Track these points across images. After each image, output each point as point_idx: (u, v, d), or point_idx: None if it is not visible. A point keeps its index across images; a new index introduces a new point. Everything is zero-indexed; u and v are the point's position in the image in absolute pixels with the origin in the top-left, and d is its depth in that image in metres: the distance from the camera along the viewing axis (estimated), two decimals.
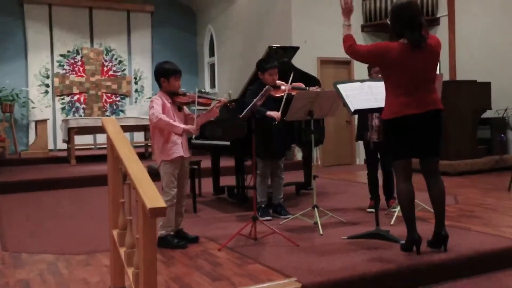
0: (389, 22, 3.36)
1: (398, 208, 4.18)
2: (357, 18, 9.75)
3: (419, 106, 3.26)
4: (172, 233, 3.85)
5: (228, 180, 6.33)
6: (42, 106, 11.73)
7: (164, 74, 3.89)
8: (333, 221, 4.41)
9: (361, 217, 4.62)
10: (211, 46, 12.83)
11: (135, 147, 10.33)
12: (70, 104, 12.09)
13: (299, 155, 8.78)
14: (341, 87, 3.75)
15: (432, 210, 3.54)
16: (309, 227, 4.23)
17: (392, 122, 3.32)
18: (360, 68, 8.12)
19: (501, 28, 8.65)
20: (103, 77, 12.43)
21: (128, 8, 12.60)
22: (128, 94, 12.67)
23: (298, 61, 5.99)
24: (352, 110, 3.67)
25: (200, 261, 3.39)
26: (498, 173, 7.64)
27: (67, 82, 12.02)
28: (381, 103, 3.50)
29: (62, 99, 12.01)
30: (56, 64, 11.94)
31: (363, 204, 5.13)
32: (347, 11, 3.49)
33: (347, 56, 3.50)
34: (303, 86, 4.93)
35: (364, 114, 4.64)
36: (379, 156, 4.92)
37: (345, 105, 3.69)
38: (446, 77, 7.71)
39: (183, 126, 3.80)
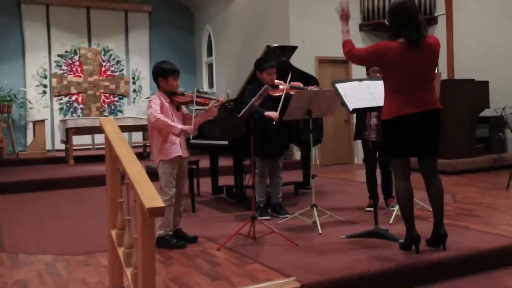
0: (387, 23, 3.37)
1: (397, 207, 4.18)
2: (355, 17, 9.75)
3: (418, 105, 3.26)
4: (171, 233, 3.84)
5: (226, 180, 6.33)
6: (40, 106, 11.72)
7: (162, 74, 3.88)
8: (332, 220, 4.41)
9: (360, 216, 4.62)
10: (209, 45, 12.82)
11: (134, 147, 10.26)
12: (68, 105, 12.07)
13: (297, 154, 8.77)
14: (339, 86, 3.75)
15: (430, 209, 3.54)
16: (308, 227, 4.23)
17: (391, 122, 3.32)
18: (358, 68, 8.12)
19: (499, 27, 8.66)
20: (101, 77, 12.41)
21: (126, 8, 12.58)
22: (126, 94, 12.66)
23: (296, 60, 5.99)
24: (351, 109, 3.66)
25: (199, 261, 3.39)
26: (496, 171, 7.65)
27: (65, 82, 12.01)
28: (380, 102, 3.50)
29: (60, 99, 11.99)
30: (54, 64, 11.93)
31: (362, 203, 5.13)
32: (345, 18, 3.55)
33: None
34: (302, 85, 4.93)
35: (362, 113, 4.64)
36: (377, 155, 4.92)
37: (344, 104, 3.69)
38: (444, 76, 7.70)
39: (180, 126, 3.78)
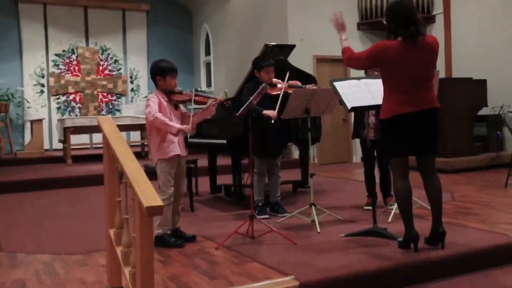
0: (385, 22, 3.38)
1: (395, 205, 4.19)
2: (353, 16, 9.76)
3: (417, 104, 3.27)
4: (169, 232, 3.84)
5: (225, 179, 6.32)
6: (38, 105, 11.69)
7: (160, 73, 3.88)
8: (331, 219, 4.41)
9: (359, 215, 4.62)
10: (207, 44, 12.81)
11: (132, 146, 10.22)
12: (66, 104, 12.05)
13: (296, 153, 8.77)
14: (337, 84, 3.75)
15: (429, 208, 3.54)
16: (306, 225, 4.23)
17: (389, 121, 3.32)
18: None
19: (497, 25, 8.66)
20: (98, 76, 12.39)
21: (123, 7, 12.55)
22: (124, 93, 12.64)
23: (294, 59, 5.99)
24: (349, 107, 3.66)
25: (197, 260, 3.38)
26: (494, 170, 7.66)
27: (62, 81, 11.98)
28: (378, 100, 3.50)
29: (58, 98, 11.97)
30: (51, 63, 11.91)
31: (360, 202, 5.13)
32: (340, 28, 3.62)
33: None
34: (300, 84, 4.92)
35: (361, 111, 4.63)
36: (376, 154, 4.92)
37: (342, 102, 3.69)
38: (442, 74, 7.70)
39: (178, 126, 3.77)
